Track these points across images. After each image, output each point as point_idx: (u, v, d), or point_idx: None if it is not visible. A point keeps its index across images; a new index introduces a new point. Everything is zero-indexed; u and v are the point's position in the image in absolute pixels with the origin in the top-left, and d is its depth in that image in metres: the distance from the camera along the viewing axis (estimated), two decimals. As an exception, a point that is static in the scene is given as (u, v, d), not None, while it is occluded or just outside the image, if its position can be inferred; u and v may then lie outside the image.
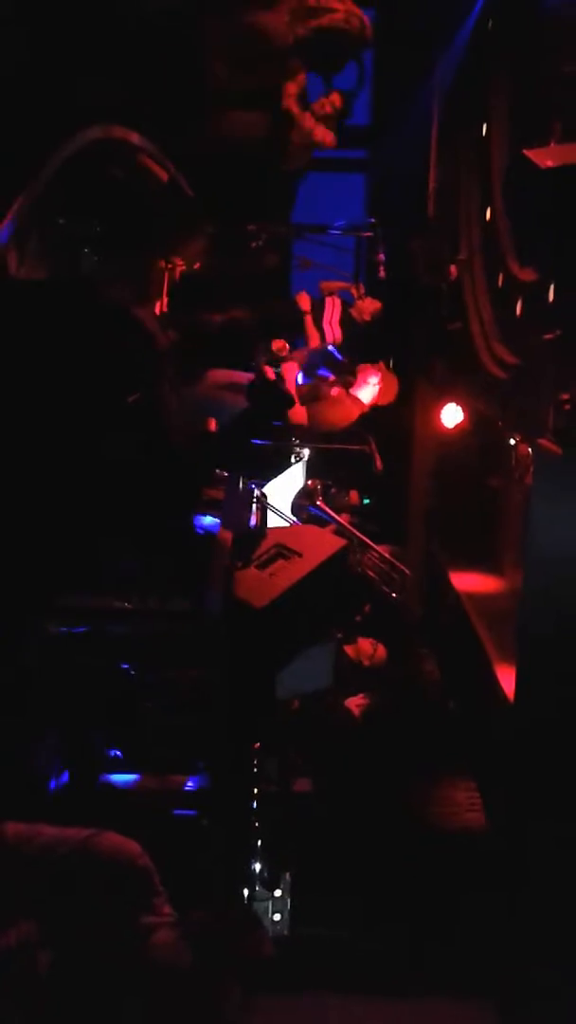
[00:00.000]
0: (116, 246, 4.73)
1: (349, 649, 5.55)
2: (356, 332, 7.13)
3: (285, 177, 6.73)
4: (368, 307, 7.18)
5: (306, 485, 4.95)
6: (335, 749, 5.00)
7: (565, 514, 4.51)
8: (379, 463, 6.07)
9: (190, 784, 3.80)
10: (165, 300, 5.46)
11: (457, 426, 7.69)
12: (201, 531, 3.75)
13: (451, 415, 7.66)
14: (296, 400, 5.65)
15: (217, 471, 4.07)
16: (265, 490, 4.13)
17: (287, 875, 4.05)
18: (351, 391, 6.24)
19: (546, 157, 3.48)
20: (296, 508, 4.88)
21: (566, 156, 3.52)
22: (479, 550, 7.78)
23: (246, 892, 3.79)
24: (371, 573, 4.99)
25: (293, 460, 5.03)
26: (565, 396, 4.45)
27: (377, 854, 4.59)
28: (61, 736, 3.54)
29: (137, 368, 3.77)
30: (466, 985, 4.07)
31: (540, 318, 5.12)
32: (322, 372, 6.75)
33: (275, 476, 4.70)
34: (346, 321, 7.10)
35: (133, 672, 3.56)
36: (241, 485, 4.00)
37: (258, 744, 3.93)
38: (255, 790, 3.86)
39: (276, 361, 5.60)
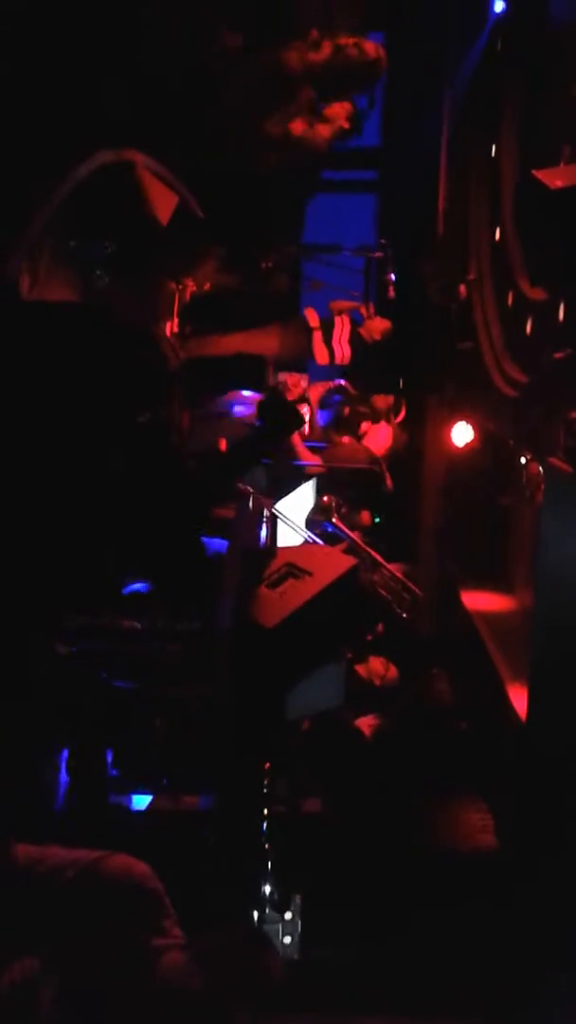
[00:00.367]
0: (127, 267, 4.76)
1: (360, 668, 5.53)
2: (366, 351, 7.17)
3: (294, 195, 6.78)
4: (378, 326, 7.23)
5: (321, 501, 4.95)
6: (346, 769, 4.98)
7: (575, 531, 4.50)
8: (389, 482, 6.09)
9: (200, 804, 3.79)
10: (176, 321, 5.49)
11: (468, 444, 7.69)
12: (211, 550, 3.75)
13: (462, 433, 7.66)
14: (306, 419, 5.68)
15: (234, 487, 4.07)
16: (277, 507, 4.13)
17: (297, 897, 4.02)
18: (362, 441, 6.36)
19: (555, 178, 3.49)
20: (310, 525, 4.88)
21: (575, 176, 3.53)
22: (490, 569, 7.75)
23: (256, 915, 3.76)
24: (382, 592, 4.98)
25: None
26: (575, 415, 4.45)
27: (388, 876, 4.56)
28: (70, 756, 3.54)
29: (149, 389, 3.79)
30: (476, 1007, 4.03)
31: (550, 337, 5.13)
32: (336, 398, 6.83)
33: (286, 494, 4.70)
34: (356, 340, 7.13)
35: (142, 692, 3.55)
36: (251, 503, 4.00)
37: (268, 764, 3.91)
38: (265, 811, 3.84)
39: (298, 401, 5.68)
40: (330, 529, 4.81)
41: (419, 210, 8.29)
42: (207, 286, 5.73)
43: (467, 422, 7.65)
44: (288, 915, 4.01)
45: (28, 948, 2.54)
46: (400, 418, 6.77)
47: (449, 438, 7.75)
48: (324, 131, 5.52)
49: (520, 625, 6.24)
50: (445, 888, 4.66)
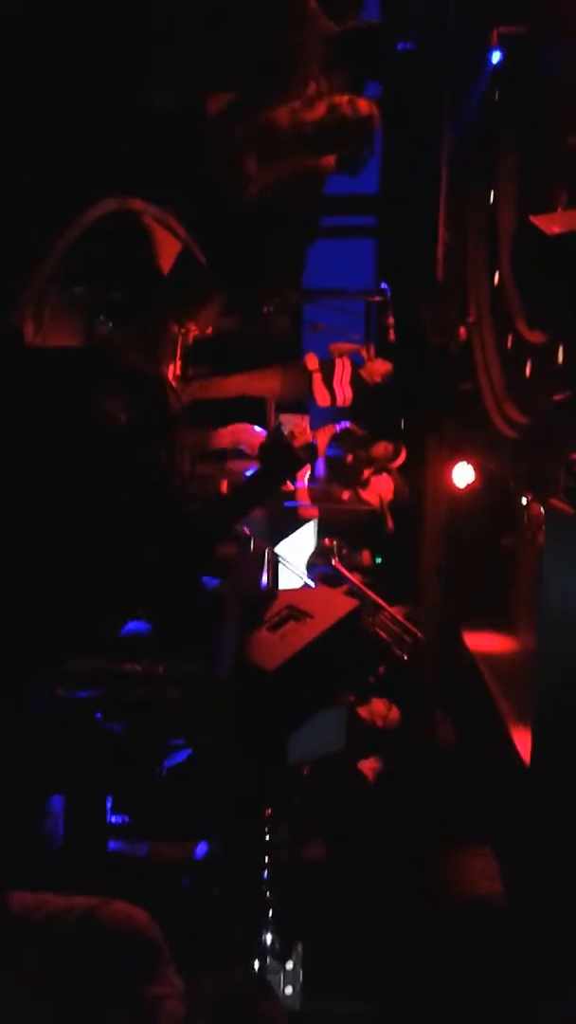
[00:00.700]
0: (131, 312, 4.81)
1: (363, 711, 5.50)
2: (367, 393, 7.23)
3: (296, 241, 6.87)
4: (379, 368, 7.30)
5: (322, 544, 4.97)
6: (348, 815, 4.92)
7: (577, 574, 4.50)
8: (390, 524, 6.11)
9: (200, 851, 3.74)
10: (179, 364, 5.54)
11: (469, 485, 7.71)
12: (212, 593, 3.75)
13: (463, 474, 7.68)
14: (305, 462, 5.70)
15: (235, 529, 4.08)
16: (277, 550, 4.14)
17: (299, 946, 3.95)
18: (361, 494, 6.41)
19: (552, 224, 3.54)
20: (311, 567, 4.89)
21: (572, 223, 3.58)
22: (493, 609, 7.73)
23: (257, 964, 3.70)
24: (383, 634, 4.97)
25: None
26: (575, 456, 4.47)
27: (391, 925, 4.49)
28: (68, 801, 3.50)
29: (151, 432, 3.81)
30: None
31: (550, 379, 5.16)
32: (332, 451, 6.91)
33: (287, 535, 4.71)
34: (357, 383, 7.20)
35: (142, 736, 3.53)
36: (253, 545, 4.01)
37: (269, 810, 3.87)
38: (266, 858, 3.79)
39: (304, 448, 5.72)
40: (331, 572, 4.82)
41: (419, 254, 8.39)
42: (209, 330, 5.79)
43: (468, 463, 7.68)
44: (290, 964, 3.95)
45: (26, 996, 2.50)
46: (400, 462, 6.81)
47: (450, 479, 7.77)
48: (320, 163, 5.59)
49: (523, 666, 6.21)
50: (450, 936, 4.59)
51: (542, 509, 5.38)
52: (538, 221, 3.54)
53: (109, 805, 3.65)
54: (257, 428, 5.72)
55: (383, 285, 7.44)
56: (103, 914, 2.59)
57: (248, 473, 5.19)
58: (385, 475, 7.17)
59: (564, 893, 4.24)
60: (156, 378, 4.32)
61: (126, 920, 2.60)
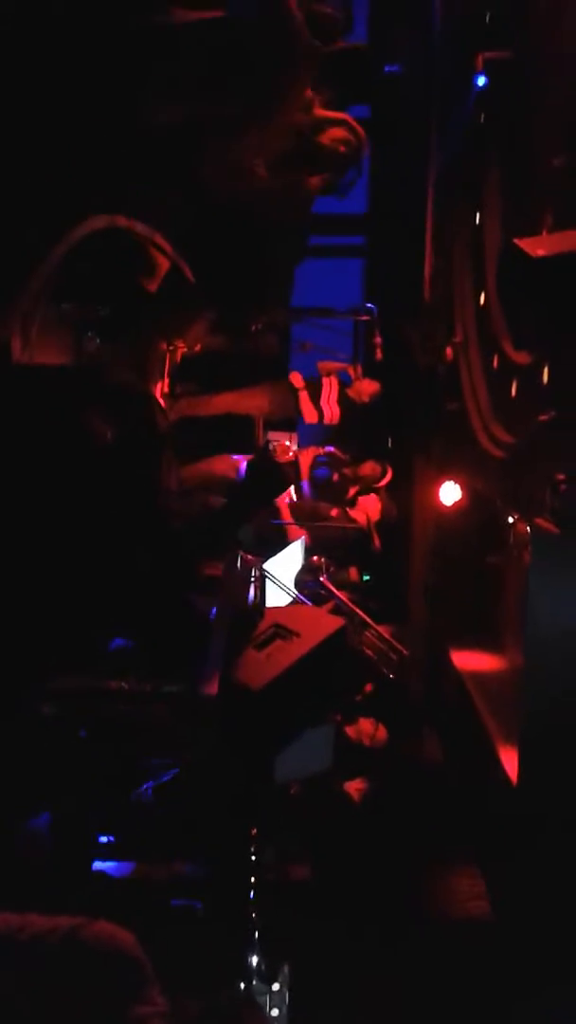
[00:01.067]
0: (119, 330, 4.83)
1: (350, 730, 5.49)
2: (355, 413, 7.26)
3: (284, 260, 6.90)
4: (366, 388, 7.34)
5: (310, 561, 4.97)
6: (334, 835, 4.90)
7: (563, 592, 4.52)
8: (377, 542, 6.12)
9: (185, 871, 3.72)
10: (166, 382, 5.56)
11: (455, 504, 7.74)
12: (198, 611, 3.74)
13: (450, 493, 7.72)
14: (292, 480, 5.72)
15: (222, 546, 4.09)
16: (265, 567, 4.14)
17: (285, 968, 3.92)
18: (349, 512, 6.43)
19: (537, 246, 3.57)
20: (299, 584, 4.89)
21: (556, 245, 3.61)
22: (480, 628, 7.74)
23: (243, 985, 3.67)
24: (370, 653, 4.97)
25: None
26: (561, 476, 4.50)
27: (379, 945, 4.46)
28: (52, 820, 3.48)
29: (139, 450, 3.82)
30: None
31: (535, 399, 5.20)
32: (320, 472, 6.93)
33: (274, 554, 4.71)
34: (345, 402, 7.23)
35: (127, 755, 3.51)
36: (240, 563, 4.01)
37: (255, 830, 3.85)
38: (252, 878, 3.77)
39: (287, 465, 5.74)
40: (319, 589, 4.82)
41: (406, 274, 8.46)
42: (197, 347, 5.81)
43: (455, 482, 7.71)
44: (276, 986, 3.91)
45: (9, 1016, 2.47)
46: (387, 482, 6.84)
47: (437, 498, 7.80)
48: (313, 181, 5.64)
49: (510, 684, 6.21)
50: (438, 957, 4.56)
51: (528, 528, 5.40)
52: (523, 244, 3.57)
53: (94, 824, 3.63)
54: (235, 456, 5.73)
55: (370, 305, 7.48)
56: (87, 934, 2.57)
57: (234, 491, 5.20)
58: (372, 495, 7.20)
59: (550, 912, 4.23)
60: (144, 396, 4.33)
61: (110, 940, 2.58)
